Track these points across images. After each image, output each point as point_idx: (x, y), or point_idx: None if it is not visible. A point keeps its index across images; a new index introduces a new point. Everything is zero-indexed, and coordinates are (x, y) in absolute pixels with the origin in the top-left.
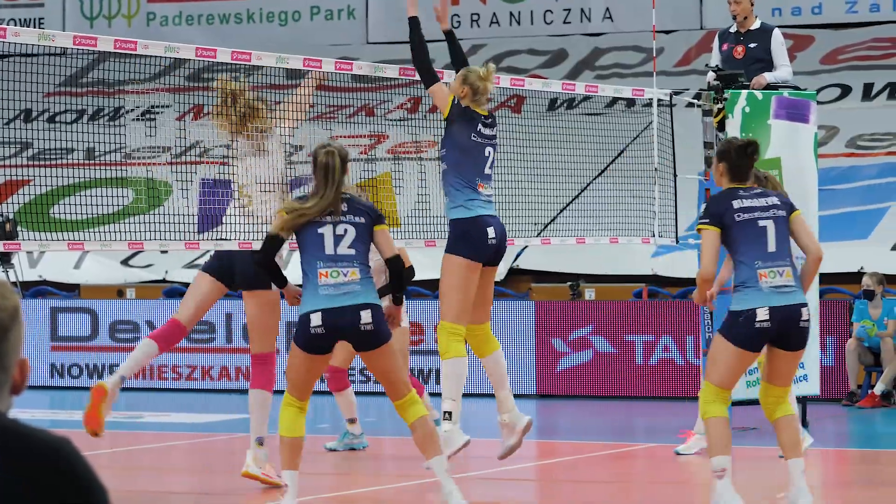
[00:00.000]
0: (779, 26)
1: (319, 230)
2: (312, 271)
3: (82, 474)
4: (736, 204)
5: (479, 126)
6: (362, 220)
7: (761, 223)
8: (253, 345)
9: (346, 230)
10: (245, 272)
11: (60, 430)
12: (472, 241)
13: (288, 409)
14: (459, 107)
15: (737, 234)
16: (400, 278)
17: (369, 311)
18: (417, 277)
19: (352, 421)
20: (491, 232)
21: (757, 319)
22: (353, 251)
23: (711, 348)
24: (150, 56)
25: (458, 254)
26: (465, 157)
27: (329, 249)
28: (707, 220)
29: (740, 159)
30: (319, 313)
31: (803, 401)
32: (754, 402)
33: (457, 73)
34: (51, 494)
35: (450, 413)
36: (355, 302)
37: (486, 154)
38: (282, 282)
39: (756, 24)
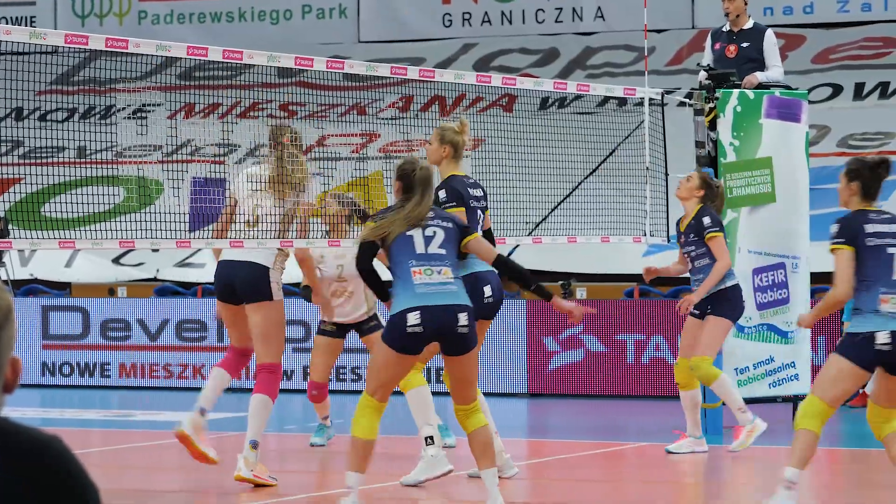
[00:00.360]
0: (770, 25)
1: (408, 233)
2: (404, 272)
3: (73, 472)
4: (868, 228)
5: (470, 190)
6: (450, 225)
7: (889, 250)
8: (259, 356)
9: (434, 232)
10: (245, 285)
11: (51, 429)
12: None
13: (366, 411)
14: (456, 191)
15: (865, 259)
16: (516, 271)
17: (466, 313)
18: None
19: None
20: (487, 290)
21: (877, 342)
22: (443, 251)
23: (826, 366)
24: (142, 54)
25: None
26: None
27: (420, 249)
28: (842, 241)
29: (874, 179)
30: (418, 312)
31: (794, 400)
32: (745, 400)
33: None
34: (41, 493)
35: (431, 437)
36: (454, 302)
37: (478, 217)
38: (384, 294)
39: (749, 24)
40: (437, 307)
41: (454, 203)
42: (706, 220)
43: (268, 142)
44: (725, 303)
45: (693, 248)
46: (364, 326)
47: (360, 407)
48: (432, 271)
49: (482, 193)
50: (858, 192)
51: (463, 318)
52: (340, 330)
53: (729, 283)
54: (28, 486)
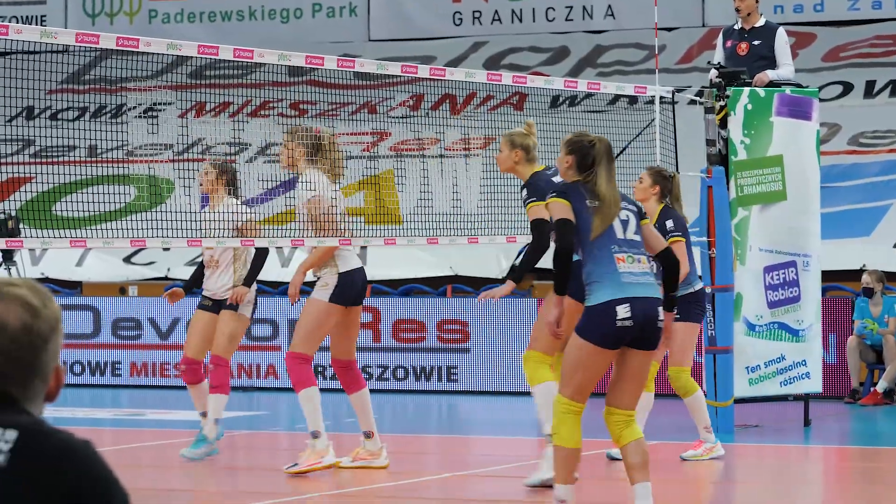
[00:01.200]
0: (781, 23)
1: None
2: (606, 256)
3: (102, 476)
4: None
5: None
6: (635, 209)
7: None
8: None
9: (628, 217)
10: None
11: (65, 429)
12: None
13: (566, 418)
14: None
15: None
16: (676, 275)
17: (661, 307)
18: (418, 275)
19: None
20: None
21: None
22: (638, 237)
23: None
24: (153, 53)
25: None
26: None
27: (620, 234)
28: None
29: None
30: (628, 304)
31: (806, 398)
32: (756, 399)
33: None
34: (70, 496)
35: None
36: (654, 295)
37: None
38: (563, 286)
39: (761, 22)
40: (646, 299)
41: (535, 199)
42: (669, 224)
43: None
44: (694, 307)
45: None
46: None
47: (557, 413)
48: (633, 259)
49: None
50: None
51: (660, 312)
52: (216, 305)
53: (697, 287)
54: (59, 488)
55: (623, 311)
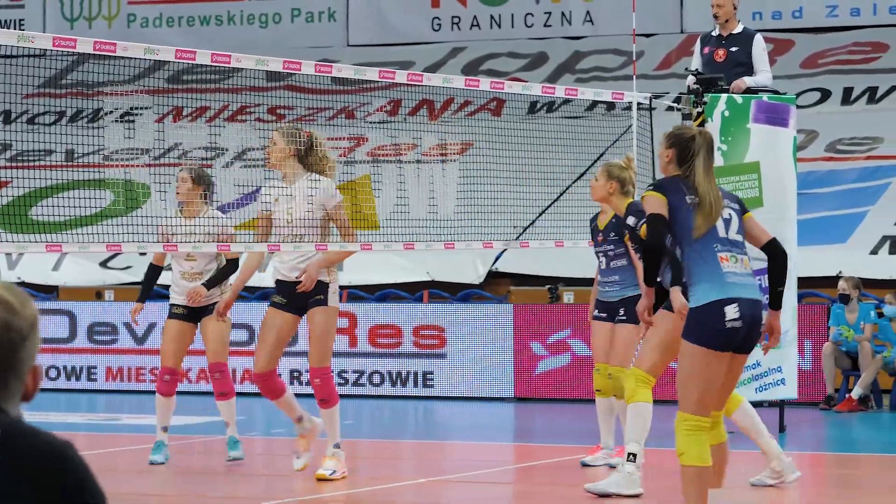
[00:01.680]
0: (759, 30)
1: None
2: (709, 255)
3: (81, 478)
4: None
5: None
6: (737, 206)
7: None
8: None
9: (730, 215)
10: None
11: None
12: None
13: (692, 436)
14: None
15: None
16: (783, 267)
17: (763, 310)
18: (395, 280)
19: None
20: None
21: None
22: (740, 237)
23: None
24: (130, 58)
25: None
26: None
27: (722, 232)
28: None
29: None
30: (736, 304)
31: (781, 405)
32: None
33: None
34: (49, 496)
35: (634, 455)
36: (758, 297)
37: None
38: (652, 278)
39: (738, 29)
40: (752, 301)
41: (643, 221)
42: (631, 221)
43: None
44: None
45: (612, 247)
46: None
47: (681, 432)
48: (736, 259)
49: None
50: None
51: (763, 316)
52: (192, 313)
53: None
54: (38, 488)
55: (732, 312)
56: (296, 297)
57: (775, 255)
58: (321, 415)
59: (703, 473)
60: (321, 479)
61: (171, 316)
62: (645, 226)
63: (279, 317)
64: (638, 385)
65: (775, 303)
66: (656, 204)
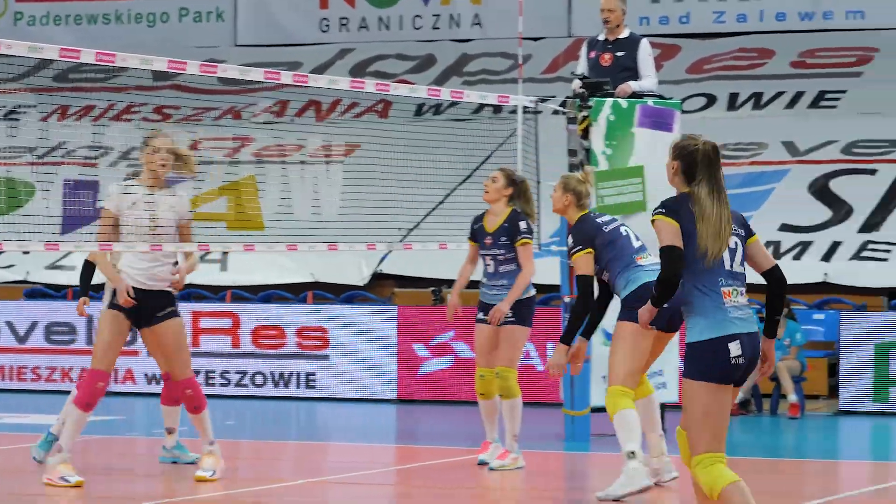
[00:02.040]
0: (646, 35)
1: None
2: (713, 288)
3: None
4: None
5: (598, 219)
6: (743, 232)
7: None
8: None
9: (735, 244)
10: None
11: None
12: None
13: (716, 467)
14: (582, 237)
15: None
16: (783, 296)
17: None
18: (279, 281)
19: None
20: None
21: None
22: (742, 269)
23: None
24: (14, 56)
25: (627, 320)
26: (610, 249)
27: (728, 264)
28: None
29: None
30: (738, 341)
31: (662, 408)
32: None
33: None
34: None
35: (633, 452)
36: (755, 329)
37: (625, 233)
38: (661, 304)
39: (625, 34)
40: (750, 335)
41: (580, 247)
42: (522, 225)
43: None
44: (527, 311)
45: (502, 251)
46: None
47: (701, 472)
48: (738, 293)
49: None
50: None
51: (757, 349)
52: None
53: (532, 293)
54: None
55: (735, 349)
56: (143, 307)
57: (777, 282)
58: (193, 421)
59: (739, 488)
60: (201, 480)
61: (112, 307)
62: (578, 253)
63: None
64: (616, 398)
65: (771, 331)
66: (671, 234)
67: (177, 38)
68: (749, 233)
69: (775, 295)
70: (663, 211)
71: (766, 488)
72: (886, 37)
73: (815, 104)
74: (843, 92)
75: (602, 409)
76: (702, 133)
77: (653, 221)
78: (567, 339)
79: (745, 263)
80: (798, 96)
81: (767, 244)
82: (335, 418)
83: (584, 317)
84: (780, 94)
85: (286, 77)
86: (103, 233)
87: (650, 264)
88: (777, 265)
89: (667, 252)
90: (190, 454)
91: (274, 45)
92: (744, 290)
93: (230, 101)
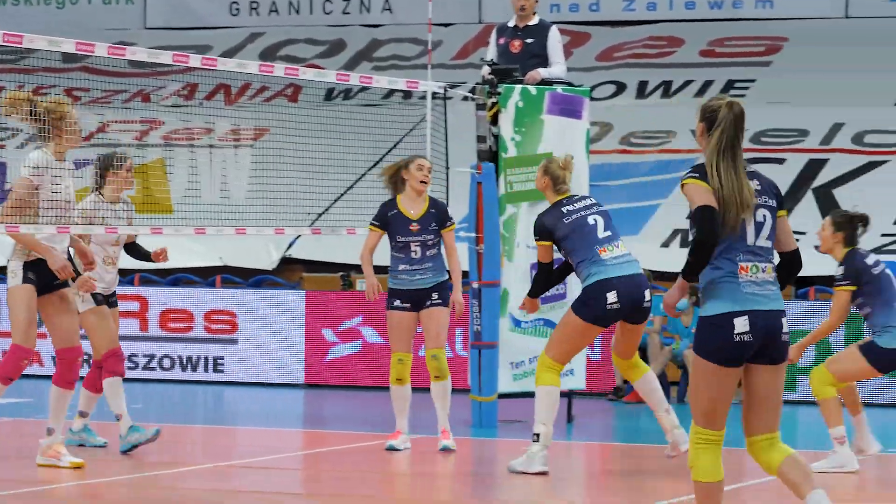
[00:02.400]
0: (556, 22)
1: (741, 215)
2: (728, 263)
3: None
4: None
5: (564, 209)
6: (773, 202)
7: None
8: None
9: (764, 216)
10: None
11: None
12: (590, 306)
13: (702, 449)
14: (541, 226)
15: None
16: (793, 277)
17: (785, 318)
18: (187, 265)
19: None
20: (611, 297)
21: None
22: (769, 243)
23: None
24: None
25: (577, 314)
26: (571, 240)
27: (750, 239)
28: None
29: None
30: (746, 316)
31: (569, 395)
32: (520, 395)
33: None
34: None
35: (538, 435)
36: (777, 307)
37: (592, 222)
38: (696, 273)
39: (534, 20)
40: (766, 312)
41: (538, 237)
42: (449, 212)
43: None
44: (447, 293)
45: (431, 237)
46: (112, 299)
47: (694, 445)
48: (758, 269)
49: (588, 203)
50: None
51: (785, 324)
52: (105, 299)
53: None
54: None
55: (741, 325)
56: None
57: (794, 264)
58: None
59: (714, 489)
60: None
61: (98, 303)
62: (537, 241)
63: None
64: (545, 370)
65: None
66: (702, 194)
67: (87, 20)
68: (780, 205)
69: (788, 275)
70: (695, 175)
71: (673, 475)
72: (795, 26)
73: (724, 93)
74: (753, 81)
75: (509, 395)
76: (611, 121)
77: (682, 186)
78: (533, 293)
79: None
80: (707, 85)
81: (675, 232)
82: (243, 402)
83: (543, 292)
84: (689, 82)
85: (195, 60)
86: (19, 206)
87: (613, 258)
88: (797, 250)
89: (700, 212)
90: (98, 438)
91: (184, 29)
92: (768, 266)
93: (139, 84)
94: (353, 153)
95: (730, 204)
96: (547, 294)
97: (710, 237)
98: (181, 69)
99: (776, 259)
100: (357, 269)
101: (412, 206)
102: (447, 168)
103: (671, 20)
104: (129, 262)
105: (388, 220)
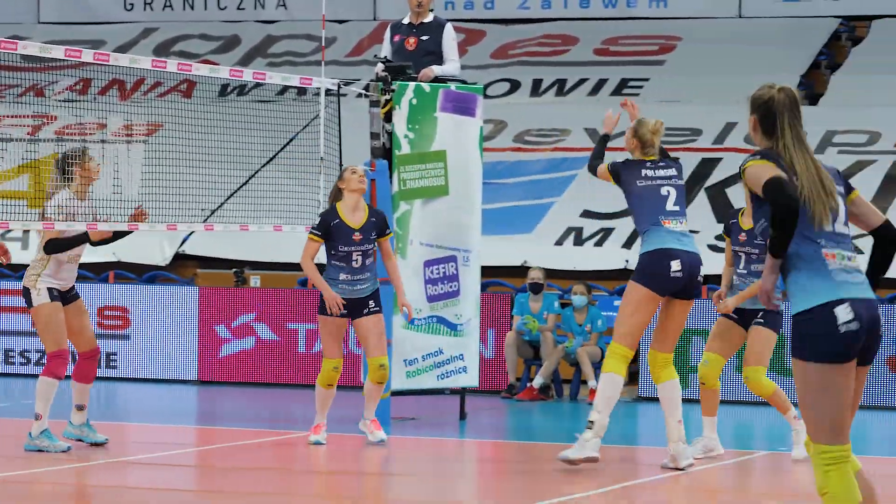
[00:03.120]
0: (451, 20)
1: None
2: (811, 251)
3: None
4: None
5: (644, 171)
6: (842, 187)
7: None
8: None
9: (837, 202)
10: None
11: None
12: (652, 273)
13: (835, 469)
14: (619, 167)
15: None
16: (892, 254)
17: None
18: (80, 260)
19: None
20: (675, 265)
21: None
22: (847, 230)
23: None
24: None
25: (638, 282)
26: (638, 202)
27: (828, 226)
28: None
29: None
30: (847, 304)
31: (462, 392)
32: (413, 392)
33: None
34: None
35: (592, 423)
36: (872, 296)
37: (665, 193)
38: (783, 248)
39: (429, 18)
40: (867, 301)
41: (612, 171)
42: (387, 219)
43: None
44: (380, 300)
45: (371, 246)
46: (70, 294)
47: (819, 468)
48: (844, 256)
49: (670, 172)
50: None
51: (880, 319)
52: (62, 296)
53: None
54: None
55: (844, 313)
56: None
57: (887, 240)
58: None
59: None
60: None
61: (53, 299)
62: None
63: None
64: (612, 357)
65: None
66: (770, 169)
67: None
68: (849, 188)
69: (883, 254)
70: (757, 157)
71: (565, 474)
72: (689, 25)
73: (617, 91)
74: (646, 80)
75: (402, 393)
76: (505, 119)
77: (743, 171)
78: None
79: (850, 223)
80: (601, 83)
81: (569, 230)
82: (136, 399)
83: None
84: (583, 80)
85: (87, 55)
86: None
87: (677, 232)
88: (888, 222)
89: (772, 183)
90: (98, 435)
91: (78, 23)
92: (852, 253)
93: (32, 79)
94: (247, 149)
95: (814, 194)
96: (440, 292)
97: (791, 201)
98: (74, 64)
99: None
100: (251, 265)
101: (352, 216)
102: (341, 165)
103: (565, 18)
104: (21, 257)
105: (330, 230)
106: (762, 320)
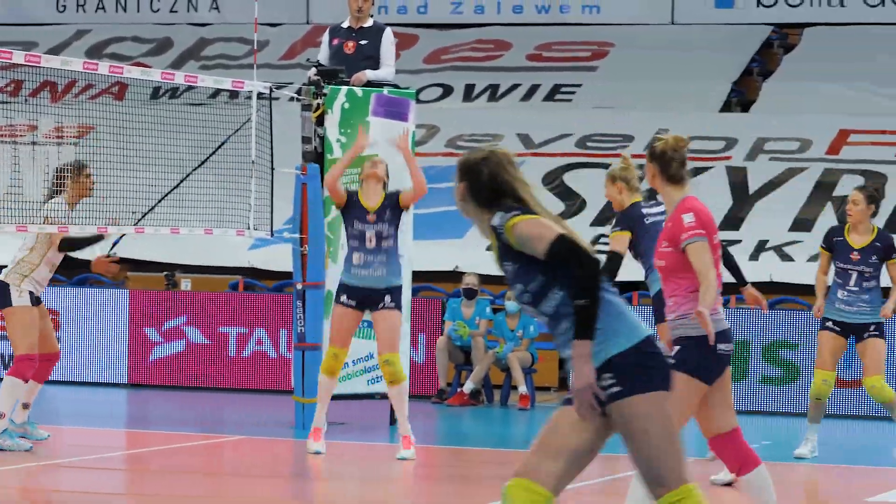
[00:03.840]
0: (385, 24)
1: None
2: None
3: None
4: None
5: (644, 210)
6: None
7: None
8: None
9: None
10: None
11: None
12: None
13: None
14: (627, 221)
15: None
16: None
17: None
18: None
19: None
20: None
21: None
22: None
23: None
24: None
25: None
26: (650, 242)
27: None
28: None
29: None
30: None
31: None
32: (343, 397)
33: None
34: None
35: None
36: None
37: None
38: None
39: (369, 22)
40: None
41: (619, 227)
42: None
43: None
44: (400, 297)
45: (387, 226)
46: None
47: None
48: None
49: (657, 210)
50: None
51: None
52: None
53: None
54: None
55: None
56: None
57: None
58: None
59: None
60: None
61: (32, 303)
62: (615, 232)
63: None
64: None
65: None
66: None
67: None
68: None
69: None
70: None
71: (496, 479)
72: (621, 32)
73: (550, 97)
74: (579, 86)
75: (333, 398)
76: (438, 124)
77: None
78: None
79: None
80: (534, 89)
81: None
82: (66, 402)
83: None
84: (516, 86)
85: (18, 56)
86: None
87: None
88: None
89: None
90: (41, 431)
91: (9, 25)
92: None
93: None
94: (179, 152)
95: None
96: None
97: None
98: (6, 65)
99: None
100: (182, 268)
101: (369, 199)
102: (272, 169)
103: (498, 24)
104: None
105: (348, 202)
106: (876, 332)
